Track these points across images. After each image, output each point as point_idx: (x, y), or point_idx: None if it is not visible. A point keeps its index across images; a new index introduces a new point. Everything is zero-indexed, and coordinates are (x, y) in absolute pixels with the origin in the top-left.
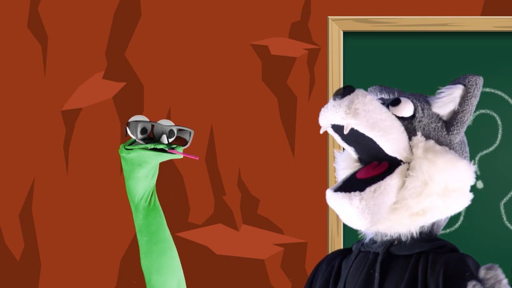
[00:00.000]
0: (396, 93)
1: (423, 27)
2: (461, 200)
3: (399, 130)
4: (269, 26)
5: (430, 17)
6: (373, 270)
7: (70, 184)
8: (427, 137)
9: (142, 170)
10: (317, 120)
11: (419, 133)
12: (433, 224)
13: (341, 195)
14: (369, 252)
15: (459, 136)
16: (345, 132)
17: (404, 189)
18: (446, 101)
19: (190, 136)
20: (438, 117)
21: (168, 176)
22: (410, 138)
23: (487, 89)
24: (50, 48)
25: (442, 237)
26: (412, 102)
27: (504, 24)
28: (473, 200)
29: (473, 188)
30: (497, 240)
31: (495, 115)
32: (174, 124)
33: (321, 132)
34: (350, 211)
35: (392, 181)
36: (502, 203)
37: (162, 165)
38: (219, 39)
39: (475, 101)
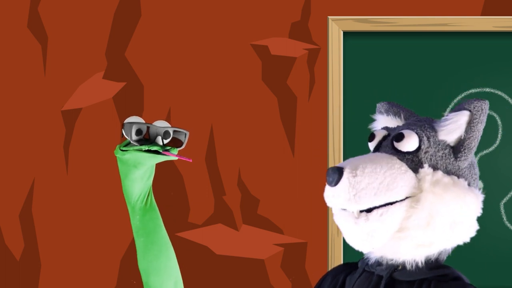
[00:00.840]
0: (402, 115)
1: (423, 27)
2: (467, 232)
3: (403, 174)
4: (269, 26)
5: (430, 17)
6: None
7: (70, 184)
8: (435, 167)
9: (138, 171)
10: (317, 120)
11: (425, 165)
12: (439, 252)
13: (347, 214)
14: (373, 273)
15: (467, 162)
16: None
17: (407, 218)
18: (453, 129)
19: (185, 137)
20: (445, 144)
21: (168, 176)
22: (416, 171)
23: (487, 89)
24: (50, 48)
25: None
26: (417, 133)
27: (504, 24)
28: None
29: None
30: (497, 240)
31: (495, 115)
32: (169, 126)
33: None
34: (354, 232)
35: (400, 209)
36: (502, 203)
37: (162, 165)
38: (219, 39)
39: (481, 127)
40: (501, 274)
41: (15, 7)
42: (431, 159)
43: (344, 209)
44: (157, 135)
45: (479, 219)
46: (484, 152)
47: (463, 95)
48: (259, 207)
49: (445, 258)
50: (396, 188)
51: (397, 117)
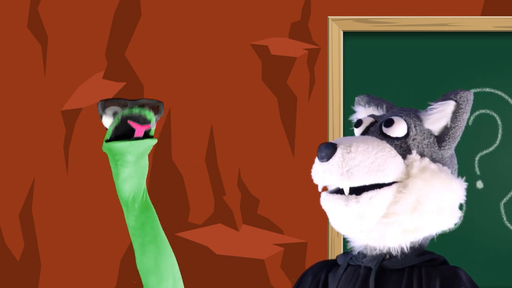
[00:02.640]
0: (384, 106)
1: (423, 27)
2: (452, 218)
3: (393, 157)
4: (269, 26)
5: (430, 17)
6: (366, 285)
7: (70, 184)
8: (421, 154)
9: (127, 170)
10: (317, 120)
11: (414, 151)
12: (421, 241)
13: (337, 196)
14: (359, 266)
15: (451, 151)
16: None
17: (394, 203)
18: (438, 117)
19: (161, 108)
20: (430, 133)
21: (168, 176)
22: (405, 157)
23: (487, 89)
24: (50, 48)
25: (442, 237)
26: (405, 120)
27: (504, 24)
28: (473, 200)
29: (473, 188)
30: (497, 240)
31: (495, 115)
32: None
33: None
34: (344, 214)
35: (388, 193)
36: (502, 203)
37: (162, 165)
38: (219, 39)
39: (466, 116)
40: (501, 274)
41: (15, 7)
42: (418, 146)
43: (333, 192)
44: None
45: (479, 219)
46: (484, 152)
47: None
48: (259, 207)
49: (427, 243)
50: (386, 170)
51: (379, 108)
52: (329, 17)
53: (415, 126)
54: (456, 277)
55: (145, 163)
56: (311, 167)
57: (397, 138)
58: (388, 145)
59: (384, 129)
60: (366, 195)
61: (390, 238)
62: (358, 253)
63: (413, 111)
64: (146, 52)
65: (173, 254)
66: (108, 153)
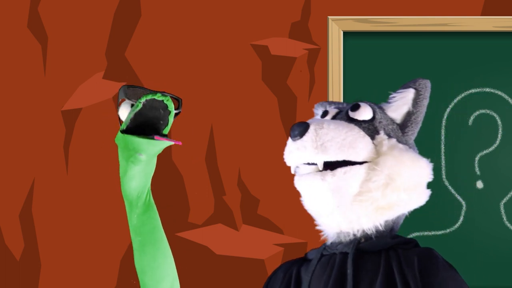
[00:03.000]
0: (344, 104)
1: (423, 27)
2: (422, 195)
3: (363, 137)
4: (269, 26)
5: (430, 17)
6: (344, 269)
7: (70, 184)
8: (388, 135)
9: (136, 167)
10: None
11: (381, 132)
12: (393, 222)
13: (312, 174)
14: (333, 254)
15: (413, 137)
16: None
17: (368, 181)
18: (400, 104)
19: (180, 104)
20: (393, 121)
21: (168, 176)
22: (373, 138)
23: (487, 89)
24: (50, 48)
25: (443, 237)
26: (370, 105)
27: (504, 24)
28: (473, 200)
29: (473, 188)
30: (497, 240)
31: (495, 115)
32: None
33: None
34: (321, 189)
35: (360, 170)
36: (502, 203)
37: (162, 165)
38: (219, 39)
39: (426, 102)
40: (501, 274)
41: (15, 7)
42: (385, 128)
43: (307, 172)
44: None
45: (479, 219)
46: (484, 152)
47: (463, 95)
48: (259, 207)
49: (398, 228)
50: (357, 148)
51: (339, 105)
52: (329, 17)
53: (380, 112)
54: (432, 256)
55: (154, 162)
56: None
57: (364, 121)
58: (356, 127)
59: (351, 113)
60: (340, 170)
61: (365, 218)
62: (332, 243)
63: (374, 103)
64: (146, 52)
65: (171, 256)
66: (120, 146)
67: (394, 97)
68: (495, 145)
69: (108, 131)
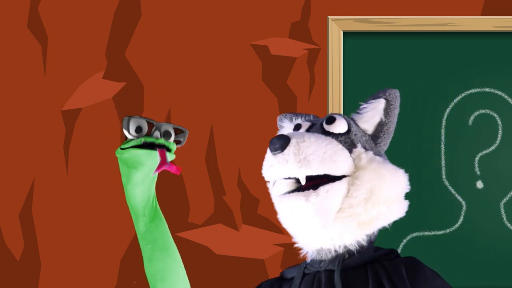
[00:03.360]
0: (311, 117)
1: (423, 27)
2: (401, 207)
3: (342, 150)
4: (269, 26)
5: (430, 17)
6: (333, 287)
7: (70, 184)
8: (365, 148)
9: (139, 174)
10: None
11: (358, 145)
12: (374, 235)
13: (295, 194)
14: (317, 272)
15: (385, 147)
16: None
17: (349, 197)
18: (371, 115)
19: (184, 136)
20: (364, 132)
21: (168, 176)
22: (351, 151)
23: (487, 89)
24: (50, 48)
25: (443, 237)
26: (345, 118)
27: (504, 24)
28: (473, 200)
29: (473, 188)
30: (497, 240)
31: (495, 115)
32: (172, 127)
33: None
34: (305, 210)
35: (341, 186)
36: (502, 203)
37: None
38: (219, 39)
39: (397, 112)
40: (501, 274)
41: (15, 7)
42: (360, 141)
43: (289, 189)
44: (156, 131)
45: (479, 219)
46: (484, 152)
47: (463, 95)
48: (259, 207)
49: (375, 240)
50: (337, 161)
51: (307, 118)
52: (329, 17)
53: (354, 124)
54: (417, 264)
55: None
56: None
57: (340, 134)
58: (334, 140)
59: (326, 127)
60: (323, 189)
61: (347, 234)
62: (313, 260)
63: (345, 115)
64: (146, 52)
65: (181, 262)
66: (124, 159)
67: (364, 107)
68: (495, 145)
69: (108, 131)
